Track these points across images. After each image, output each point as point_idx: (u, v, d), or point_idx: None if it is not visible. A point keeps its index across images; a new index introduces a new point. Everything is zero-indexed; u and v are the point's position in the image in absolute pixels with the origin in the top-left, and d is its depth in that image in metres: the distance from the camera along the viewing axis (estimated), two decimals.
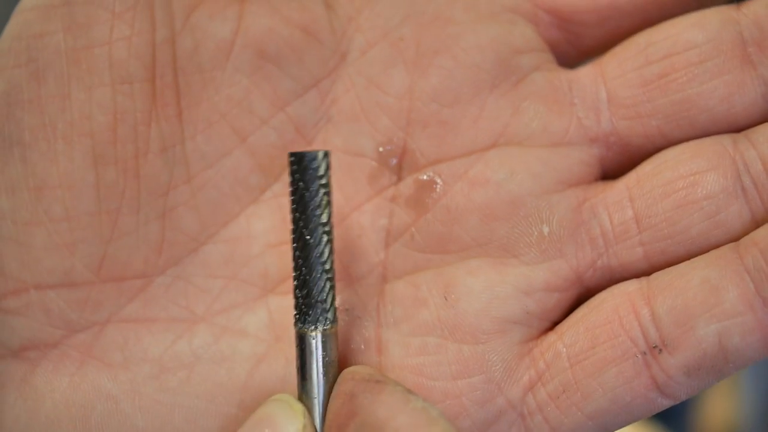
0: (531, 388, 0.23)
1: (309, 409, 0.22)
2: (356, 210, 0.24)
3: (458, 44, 0.24)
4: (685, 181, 0.23)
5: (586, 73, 0.24)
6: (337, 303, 0.23)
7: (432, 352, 0.23)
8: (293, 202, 0.22)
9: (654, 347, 0.22)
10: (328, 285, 0.22)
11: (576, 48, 0.25)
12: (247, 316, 0.24)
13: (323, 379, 0.22)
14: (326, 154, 0.22)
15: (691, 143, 0.23)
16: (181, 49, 0.23)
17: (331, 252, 0.22)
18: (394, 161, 0.24)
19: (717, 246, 0.23)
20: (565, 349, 0.23)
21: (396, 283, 0.24)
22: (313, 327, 0.22)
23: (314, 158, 0.22)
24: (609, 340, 0.22)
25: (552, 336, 0.23)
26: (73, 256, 0.23)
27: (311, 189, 0.22)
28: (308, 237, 0.22)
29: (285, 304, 0.24)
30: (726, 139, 0.23)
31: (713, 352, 0.22)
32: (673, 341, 0.22)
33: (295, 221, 0.22)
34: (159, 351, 0.23)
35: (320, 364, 0.22)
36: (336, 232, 0.24)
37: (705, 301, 0.22)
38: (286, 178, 0.24)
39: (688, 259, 0.23)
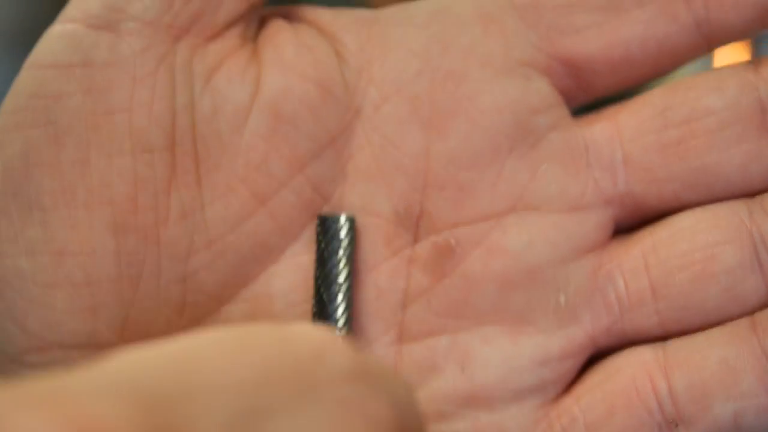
0: None
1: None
2: (373, 271, 0.24)
3: (475, 105, 0.24)
4: (702, 254, 0.23)
5: (601, 132, 0.24)
6: None
7: (449, 419, 0.23)
8: (316, 260, 0.23)
9: (670, 421, 0.23)
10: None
11: (586, 94, 0.25)
12: None
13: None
14: (349, 219, 0.23)
15: (708, 212, 0.24)
16: (200, 115, 0.23)
17: (346, 309, 0.23)
18: (412, 222, 0.24)
19: (731, 318, 0.23)
20: (581, 416, 0.23)
21: (412, 346, 0.24)
22: None
23: (336, 221, 0.23)
24: (626, 410, 0.23)
25: (568, 401, 0.24)
26: (96, 320, 0.23)
27: (330, 249, 0.22)
28: (324, 294, 0.22)
29: None
30: (742, 209, 0.23)
31: (728, 429, 0.22)
32: (690, 417, 0.23)
33: (315, 279, 0.23)
34: None
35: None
36: (352, 291, 0.24)
37: (722, 381, 0.22)
38: (305, 238, 0.24)
39: (703, 328, 0.23)
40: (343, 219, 0.23)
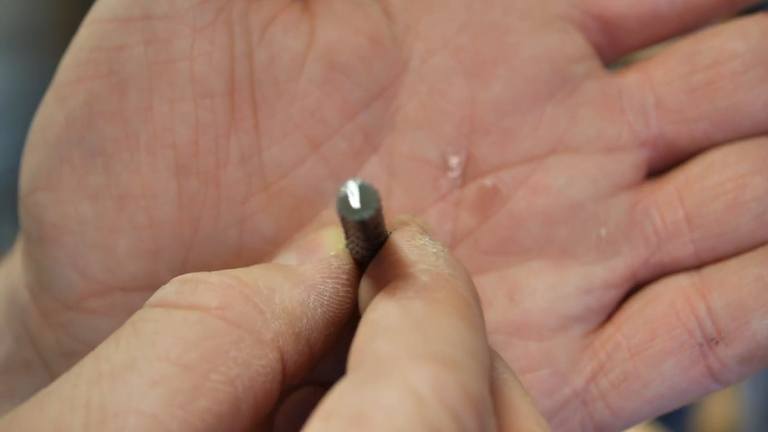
0: (593, 377, 0.24)
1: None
2: (422, 214, 0.25)
3: (516, 54, 0.25)
4: (733, 184, 0.24)
5: (633, 79, 0.26)
6: None
7: (500, 348, 0.24)
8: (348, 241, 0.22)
9: (710, 339, 0.24)
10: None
11: (617, 50, 0.26)
12: None
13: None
14: (370, 216, 0.20)
15: (736, 146, 0.25)
16: (258, 63, 0.24)
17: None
18: (458, 167, 0.25)
19: (763, 244, 0.24)
20: (624, 341, 0.24)
21: None
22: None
23: (362, 220, 0.20)
24: (667, 333, 0.24)
25: (611, 328, 0.25)
26: (157, 262, 0.24)
27: (362, 236, 0.21)
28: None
29: None
30: None
31: (766, 343, 0.24)
32: (729, 334, 0.24)
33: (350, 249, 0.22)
34: None
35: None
36: None
37: (759, 297, 0.24)
38: None
39: (736, 255, 0.24)
40: (367, 216, 0.20)
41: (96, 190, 0.23)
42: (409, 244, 0.21)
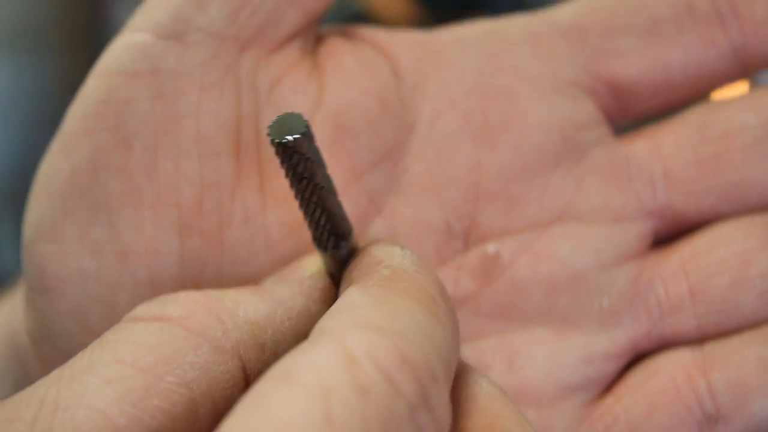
0: None
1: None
2: None
3: (525, 120, 0.25)
4: (738, 260, 0.24)
5: (642, 148, 0.25)
6: None
7: None
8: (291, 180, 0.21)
9: (710, 418, 0.23)
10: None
11: (627, 115, 0.26)
12: None
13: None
14: (302, 136, 0.20)
15: (743, 221, 0.25)
16: (264, 123, 0.24)
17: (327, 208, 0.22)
18: (461, 232, 0.25)
19: (767, 320, 0.24)
20: (623, 414, 0.24)
21: (462, 347, 0.25)
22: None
23: (286, 143, 0.20)
24: (666, 408, 0.24)
25: (610, 400, 0.24)
26: None
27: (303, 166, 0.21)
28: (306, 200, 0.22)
29: None
30: None
31: (765, 425, 0.23)
32: (729, 413, 0.23)
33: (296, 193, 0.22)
34: None
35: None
36: None
37: (760, 378, 0.23)
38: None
39: (738, 331, 0.24)
40: (294, 140, 0.20)
41: (98, 245, 0.23)
42: (378, 248, 0.22)
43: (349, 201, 0.24)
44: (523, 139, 0.25)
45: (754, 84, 0.39)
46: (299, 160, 0.21)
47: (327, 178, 0.22)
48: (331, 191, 0.22)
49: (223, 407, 0.20)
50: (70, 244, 0.23)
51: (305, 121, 0.20)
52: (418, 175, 0.25)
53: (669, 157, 0.25)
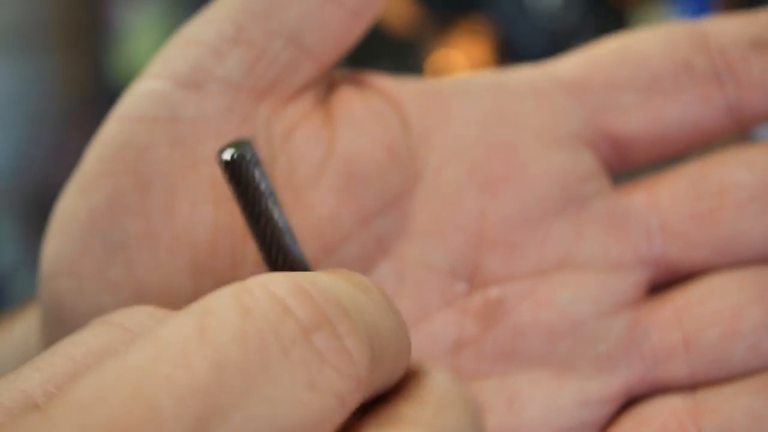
0: None
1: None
2: (427, 319, 0.26)
3: (527, 172, 0.26)
4: (730, 312, 0.25)
5: (640, 200, 0.26)
6: None
7: None
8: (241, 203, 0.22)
9: None
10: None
11: (625, 165, 0.27)
12: None
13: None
14: (240, 155, 0.21)
15: (735, 275, 0.26)
16: (278, 170, 0.25)
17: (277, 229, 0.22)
18: (466, 277, 0.26)
19: (757, 372, 0.25)
20: None
21: None
22: None
23: (227, 160, 0.21)
24: None
25: None
26: None
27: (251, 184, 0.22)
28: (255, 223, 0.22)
29: None
30: (767, 273, 0.26)
31: None
32: None
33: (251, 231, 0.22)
34: None
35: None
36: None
37: (749, 429, 0.24)
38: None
39: (729, 381, 0.25)
40: (232, 151, 0.21)
41: (116, 284, 0.24)
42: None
43: (358, 244, 0.25)
44: (526, 190, 0.26)
45: (751, 139, 0.40)
46: (238, 179, 0.21)
47: (269, 209, 0.22)
48: (276, 224, 0.22)
49: None
50: (89, 281, 0.24)
51: (251, 145, 0.21)
52: (425, 221, 0.26)
53: (666, 211, 0.26)
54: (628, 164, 0.27)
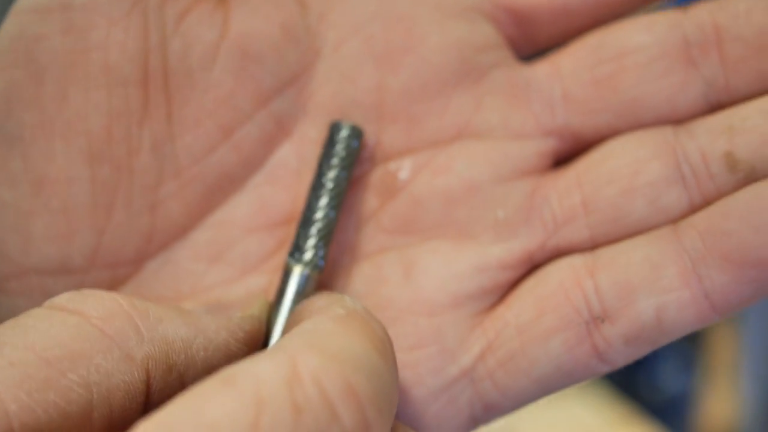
0: (482, 356, 0.24)
1: (273, 328, 0.24)
2: None
3: (424, 44, 0.26)
4: (628, 169, 0.25)
5: (542, 70, 0.26)
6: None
7: (391, 324, 0.25)
8: (322, 160, 0.25)
9: (596, 318, 0.24)
10: (324, 231, 0.24)
11: (531, 43, 0.27)
12: (228, 293, 0.25)
13: (290, 308, 0.24)
14: (356, 129, 0.25)
15: (636, 134, 0.25)
16: (172, 53, 0.25)
17: (334, 208, 0.24)
18: (366, 153, 0.26)
19: (656, 227, 0.24)
20: (513, 319, 0.24)
21: (362, 264, 0.26)
22: (298, 263, 0.24)
23: (341, 128, 0.25)
24: (554, 311, 0.24)
25: (501, 307, 0.25)
26: (70, 246, 0.24)
27: (328, 153, 0.25)
28: (319, 189, 0.25)
29: (262, 281, 0.25)
30: (668, 131, 0.25)
31: (651, 323, 0.24)
32: (615, 313, 0.24)
33: (315, 177, 0.25)
34: None
35: (293, 295, 0.24)
36: None
37: (646, 277, 0.24)
38: (266, 169, 0.26)
39: (628, 237, 0.25)
40: (346, 128, 0.25)
41: (14, 176, 0.24)
42: (329, 294, 0.23)
43: (257, 126, 0.25)
44: (423, 62, 0.26)
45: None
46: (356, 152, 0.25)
47: (343, 184, 0.25)
48: (340, 196, 0.25)
49: (118, 416, 0.20)
50: None
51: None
52: (324, 99, 0.26)
53: (567, 79, 0.26)
54: (534, 41, 0.27)
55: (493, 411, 0.25)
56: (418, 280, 0.25)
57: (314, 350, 0.18)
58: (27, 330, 0.19)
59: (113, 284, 0.25)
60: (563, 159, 0.26)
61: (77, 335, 0.20)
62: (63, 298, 0.21)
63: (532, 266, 0.25)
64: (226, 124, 0.25)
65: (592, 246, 0.25)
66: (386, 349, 0.20)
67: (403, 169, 0.26)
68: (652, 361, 0.76)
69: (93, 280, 0.24)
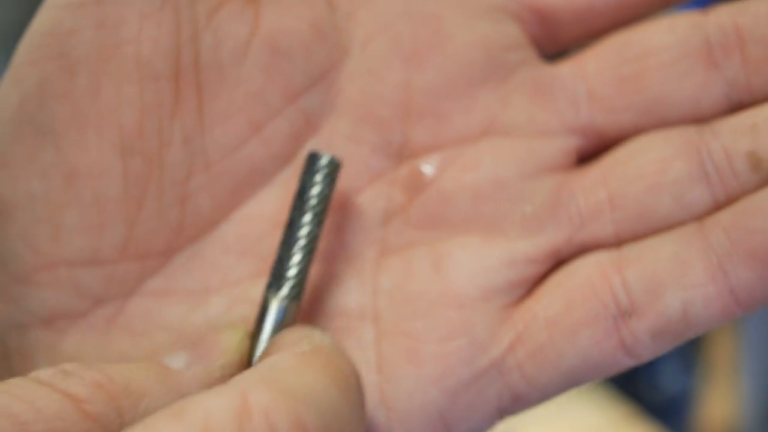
0: (511, 348, 0.25)
1: (253, 363, 0.24)
2: (357, 193, 0.26)
3: (451, 42, 0.26)
4: (654, 167, 0.25)
5: (566, 69, 0.27)
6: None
7: (421, 316, 0.25)
8: (297, 192, 0.25)
9: (624, 312, 0.24)
10: (300, 265, 0.24)
11: (554, 43, 0.27)
12: (257, 287, 0.25)
13: (268, 341, 0.24)
14: (332, 161, 0.25)
15: (661, 132, 0.26)
16: (203, 48, 0.25)
17: (311, 241, 0.24)
18: (394, 149, 0.26)
19: (682, 224, 0.25)
20: (542, 312, 0.25)
21: (391, 257, 0.26)
22: (274, 296, 0.24)
23: (319, 159, 0.25)
24: (582, 305, 0.25)
25: (530, 301, 0.25)
26: (101, 238, 0.24)
27: (313, 182, 0.25)
28: (296, 221, 0.24)
29: None
30: (692, 130, 0.25)
31: (677, 318, 0.24)
32: (642, 307, 0.24)
33: (291, 208, 0.25)
34: (177, 320, 0.25)
35: (271, 328, 0.24)
36: (338, 213, 0.26)
37: (673, 273, 0.24)
38: (295, 165, 0.26)
39: (654, 234, 0.25)
40: (325, 159, 0.25)
41: (45, 168, 0.24)
42: (298, 329, 0.23)
43: (287, 121, 0.26)
44: (450, 59, 0.26)
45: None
46: (330, 181, 0.24)
47: (320, 219, 0.25)
48: (315, 235, 0.25)
49: None
50: (19, 168, 0.24)
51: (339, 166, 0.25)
52: (352, 96, 0.26)
53: (591, 78, 0.26)
54: (558, 41, 0.27)
55: (520, 402, 0.25)
56: (447, 273, 0.25)
57: (267, 385, 0.18)
58: (11, 400, 0.19)
59: (142, 276, 0.25)
60: (587, 157, 0.27)
61: (60, 414, 0.20)
62: (47, 374, 0.21)
63: (558, 261, 0.26)
64: (256, 119, 0.25)
65: (617, 242, 0.25)
66: (349, 385, 0.20)
67: (431, 165, 0.26)
68: (652, 362, 0.76)
69: (122, 272, 0.25)
